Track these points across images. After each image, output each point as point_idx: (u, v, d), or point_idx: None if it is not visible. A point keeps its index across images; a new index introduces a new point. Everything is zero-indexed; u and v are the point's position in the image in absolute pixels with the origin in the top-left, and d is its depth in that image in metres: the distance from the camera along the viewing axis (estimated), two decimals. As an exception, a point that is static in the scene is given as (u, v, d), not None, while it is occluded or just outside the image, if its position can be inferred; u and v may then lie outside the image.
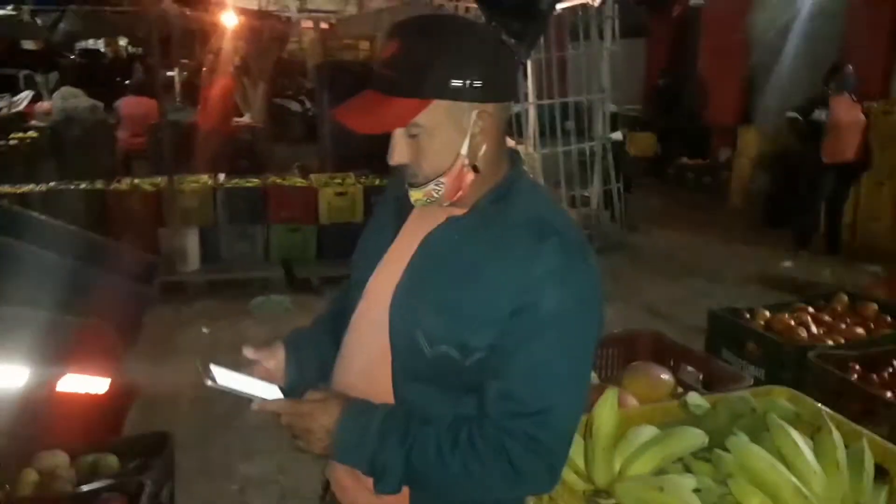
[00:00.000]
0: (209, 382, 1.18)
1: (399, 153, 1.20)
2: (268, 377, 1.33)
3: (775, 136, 7.94)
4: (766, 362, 2.75)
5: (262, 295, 5.56)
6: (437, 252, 1.23)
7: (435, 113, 1.16)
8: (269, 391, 1.25)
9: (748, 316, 3.10)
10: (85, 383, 2.51)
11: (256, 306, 5.42)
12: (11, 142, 7.96)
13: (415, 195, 1.22)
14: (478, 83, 1.15)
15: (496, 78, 1.18)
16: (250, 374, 1.31)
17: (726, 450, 1.42)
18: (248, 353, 1.37)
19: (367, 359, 1.29)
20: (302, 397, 1.23)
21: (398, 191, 1.35)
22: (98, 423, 2.74)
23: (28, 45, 14.85)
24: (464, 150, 1.20)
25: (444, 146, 1.19)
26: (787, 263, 6.39)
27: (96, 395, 2.59)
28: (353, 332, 1.34)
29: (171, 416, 3.79)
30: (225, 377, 1.22)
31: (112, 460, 2.40)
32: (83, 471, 2.36)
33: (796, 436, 1.43)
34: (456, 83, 1.14)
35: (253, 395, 1.21)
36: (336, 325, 1.41)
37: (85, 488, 2.25)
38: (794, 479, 1.35)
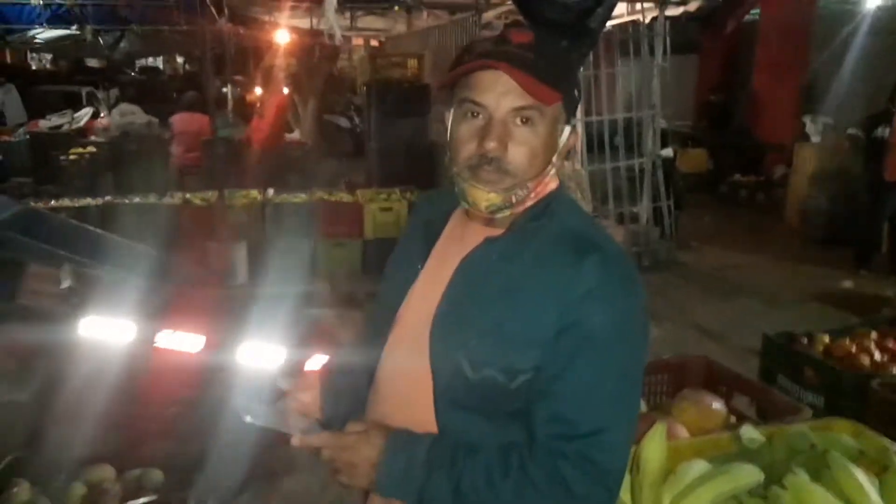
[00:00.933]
0: (247, 419, 1.17)
1: (500, 140, 1.13)
2: (303, 410, 1.30)
3: (834, 153, 7.71)
4: (826, 390, 2.63)
5: (308, 309, 5.59)
6: (476, 275, 1.20)
7: (554, 110, 1.16)
8: (306, 425, 1.22)
9: (806, 341, 2.98)
10: (181, 340, 2.56)
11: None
12: (72, 157, 8.21)
13: (492, 199, 1.16)
14: (578, 101, 1.20)
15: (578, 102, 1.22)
16: (286, 407, 1.29)
17: (783, 487, 1.34)
18: (283, 383, 1.35)
19: (406, 386, 1.24)
20: (341, 429, 1.19)
21: (427, 215, 1.32)
22: (189, 380, 2.79)
23: (92, 62, 15.41)
24: (555, 159, 1.20)
25: (545, 148, 1.17)
26: (848, 284, 6.16)
27: (190, 353, 2.64)
28: (389, 360, 1.30)
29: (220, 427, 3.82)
30: (263, 413, 1.20)
31: (157, 474, 2.42)
32: (129, 485, 2.38)
33: (860, 475, 1.35)
34: (576, 92, 1.18)
35: (291, 430, 1.19)
36: (368, 354, 1.37)
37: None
38: (858, 522, 1.27)
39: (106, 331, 2.36)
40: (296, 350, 2.57)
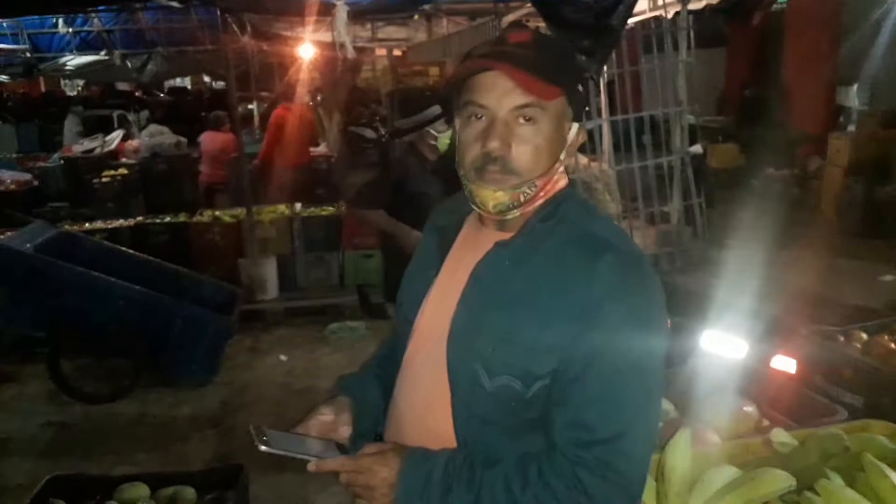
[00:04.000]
0: (263, 448, 1.15)
1: (503, 140, 1.13)
2: (325, 431, 1.27)
3: (869, 142, 7.52)
4: (865, 390, 2.54)
5: (338, 321, 5.61)
6: (490, 280, 1.18)
7: (557, 106, 1.15)
8: (325, 448, 1.19)
9: (842, 339, 2.88)
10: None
11: (332, 332, 5.46)
12: (104, 180, 8.37)
13: (499, 198, 1.15)
14: (586, 98, 1.20)
15: (587, 100, 1.19)
16: (307, 431, 1.26)
17: (816, 493, 1.29)
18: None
19: (425, 399, 1.23)
20: (357, 452, 1.18)
21: (441, 222, 1.31)
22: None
23: (122, 86, 15.73)
24: (563, 156, 1.19)
25: (550, 144, 1.16)
26: (888, 277, 5.97)
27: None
28: (407, 373, 1.28)
29: (250, 445, 3.84)
30: (279, 440, 1.18)
31: (189, 493, 2.42)
32: (163, 502, 2.39)
33: (896, 478, 1.29)
34: (580, 87, 1.17)
35: (309, 456, 1.17)
36: (386, 369, 1.36)
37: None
38: (897, 528, 1.21)
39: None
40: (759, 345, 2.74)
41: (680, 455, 1.34)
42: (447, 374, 1.18)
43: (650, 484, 1.34)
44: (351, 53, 6.18)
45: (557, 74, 1.13)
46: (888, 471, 1.28)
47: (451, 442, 1.18)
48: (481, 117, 1.15)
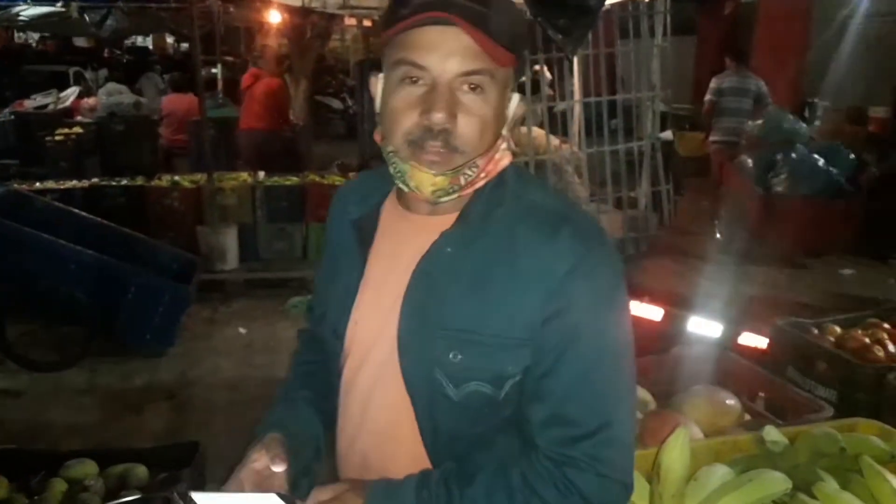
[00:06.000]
0: None
1: (449, 110, 0.95)
2: (260, 481, 1.03)
3: (833, 137, 7.62)
4: (839, 384, 2.54)
5: (300, 295, 5.48)
6: (438, 276, 1.02)
7: (504, 75, 1.00)
8: (265, 502, 0.98)
9: (816, 331, 2.88)
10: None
11: (293, 306, 5.34)
12: (58, 138, 8.04)
13: (438, 183, 0.99)
14: (525, 65, 1.08)
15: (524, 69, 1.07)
16: (240, 485, 1.03)
17: (811, 496, 1.24)
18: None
19: (384, 419, 1.08)
20: (306, 499, 0.99)
21: (353, 213, 1.13)
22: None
23: (80, 42, 15.15)
24: (506, 131, 1.04)
25: (497, 118, 1.00)
26: (847, 272, 6.07)
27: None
28: (354, 393, 1.11)
29: (205, 420, 3.72)
30: (210, 501, 0.97)
31: (141, 471, 2.32)
32: (112, 481, 2.28)
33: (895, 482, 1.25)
34: (525, 56, 1.03)
35: None
36: (315, 388, 1.19)
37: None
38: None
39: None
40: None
41: (677, 456, 1.28)
42: (405, 388, 1.04)
43: (644, 485, 1.27)
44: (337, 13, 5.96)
45: (513, 38, 0.97)
46: (888, 475, 1.24)
47: (423, 460, 1.05)
48: (417, 81, 0.97)
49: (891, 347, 2.67)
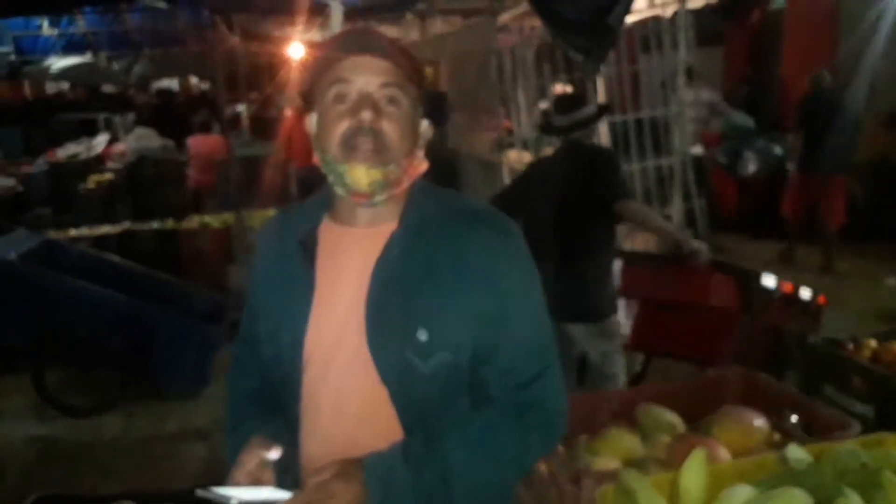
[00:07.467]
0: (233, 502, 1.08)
1: (375, 110, 1.17)
2: (254, 481, 1.21)
3: (870, 142, 7.43)
4: (876, 399, 2.42)
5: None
6: (395, 272, 1.20)
7: (414, 95, 1.22)
8: (267, 496, 1.14)
9: (851, 346, 2.76)
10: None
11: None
12: (90, 185, 8.17)
13: (373, 175, 1.17)
14: (430, 102, 1.28)
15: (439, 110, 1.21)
16: (235, 482, 1.21)
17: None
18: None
19: (361, 406, 1.22)
20: (299, 484, 1.17)
21: (298, 235, 1.27)
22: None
23: (107, 88, 15.49)
24: (420, 143, 1.26)
25: (412, 129, 1.23)
26: (893, 281, 5.88)
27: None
28: (322, 393, 1.24)
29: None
30: (217, 498, 1.11)
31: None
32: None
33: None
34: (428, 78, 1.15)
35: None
36: (265, 404, 1.33)
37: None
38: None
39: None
40: None
41: (695, 476, 1.29)
42: (378, 375, 1.19)
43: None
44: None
45: (414, 66, 1.22)
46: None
47: (398, 436, 1.20)
48: (345, 98, 1.18)
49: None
